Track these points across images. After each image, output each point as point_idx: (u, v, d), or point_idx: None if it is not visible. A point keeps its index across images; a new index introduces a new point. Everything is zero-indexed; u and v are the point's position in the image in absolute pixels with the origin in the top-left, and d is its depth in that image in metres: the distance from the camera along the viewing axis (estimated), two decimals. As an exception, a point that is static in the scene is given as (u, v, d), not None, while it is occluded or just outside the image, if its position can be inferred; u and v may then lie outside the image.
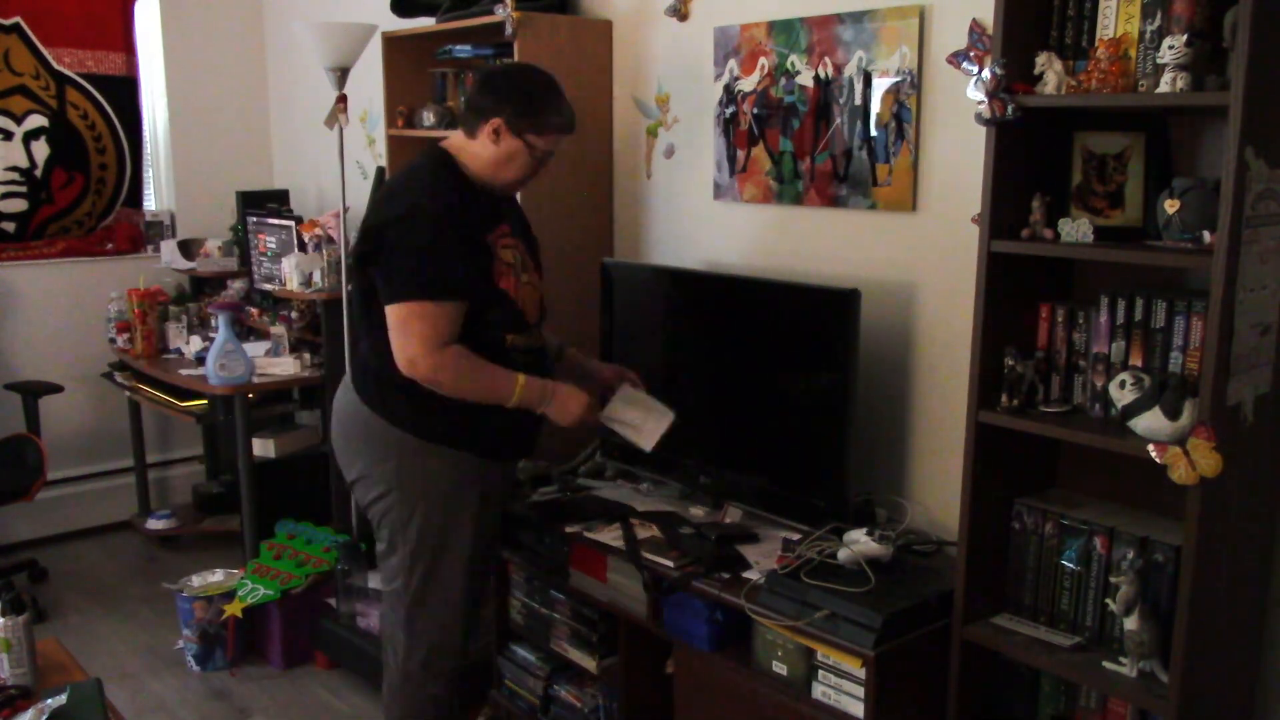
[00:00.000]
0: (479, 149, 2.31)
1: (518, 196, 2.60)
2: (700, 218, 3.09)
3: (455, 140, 2.36)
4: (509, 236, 2.36)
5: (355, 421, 2.40)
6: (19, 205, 4.36)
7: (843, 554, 2.27)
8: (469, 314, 2.24)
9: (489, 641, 3.02)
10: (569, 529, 2.67)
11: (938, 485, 2.56)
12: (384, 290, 2.23)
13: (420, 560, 2.40)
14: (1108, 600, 1.99)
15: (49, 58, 4.37)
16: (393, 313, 2.20)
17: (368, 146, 4.29)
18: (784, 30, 2.76)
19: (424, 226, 2.20)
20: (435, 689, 2.51)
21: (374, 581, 3.22)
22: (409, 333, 2.19)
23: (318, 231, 3.92)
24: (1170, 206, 1.85)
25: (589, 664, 2.73)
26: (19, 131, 4.33)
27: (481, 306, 2.26)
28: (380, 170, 3.90)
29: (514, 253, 2.35)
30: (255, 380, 3.76)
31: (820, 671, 2.18)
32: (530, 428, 2.43)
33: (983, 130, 2.02)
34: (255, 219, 4.27)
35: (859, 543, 2.26)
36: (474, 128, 2.30)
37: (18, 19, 4.27)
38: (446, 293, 2.19)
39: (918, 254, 2.56)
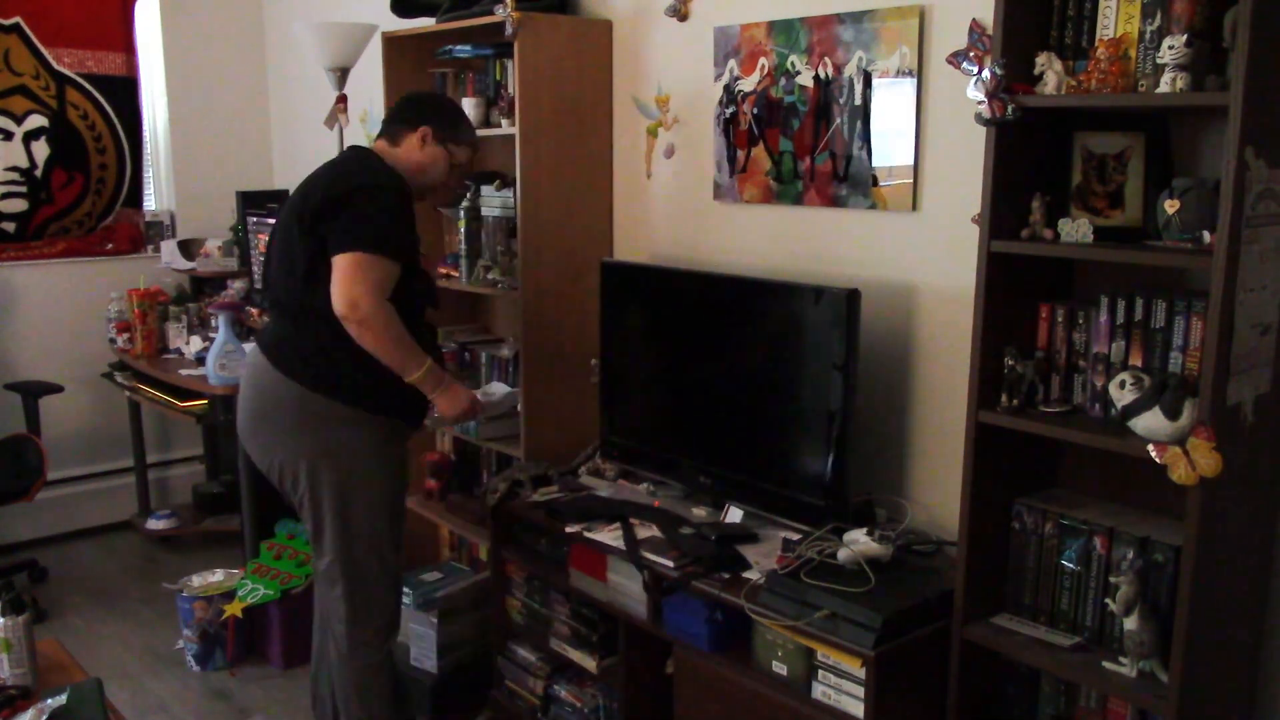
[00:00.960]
0: (403, 154, 2.60)
1: None
2: (700, 218, 3.09)
3: (379, 146, 2.63)
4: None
5: (273, 394, 2.50)
6: (19, 205, 4.36)
7: (843, 554, 2.27)
8: (399, 280, 2.43)
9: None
10: (569, 529, 2.67)
11: (938, 485, 2.56)
12: (337, 242, 2.36)
13: (350, 527, 2.54)
14: (1108, 600, 1.99)
15: (49, 58, 4.37)
16: (346, 260, 2.34)
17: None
18: (784, 30, 2.76)
19: (389, 195, 2.44)
20: (385, 652, 2.66)
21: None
22: (358, 278, 2.34)
23: (318, 231, 3.91)
24: (1170, 206, 1.85)
25: (589, 664, 2.73)
26: (19, 131, 4.33)
27: (409, 276, 2.47)
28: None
29: (422, 242, 2.67)
30: (255, 380, 3.76)
31: (820, 671, 2.18)
32: (422, 397, 2.58)
33: (983, 130, 2.02)
34: (255, 219, 4.27)
35: (859, 543, 2.26)
36: (399, 135, 2.61)
37: (18, 19, 4.27)
38: (398, 254, 2.41)
39: (918, 254, 2.56)
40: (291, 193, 2.56)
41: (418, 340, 2.48)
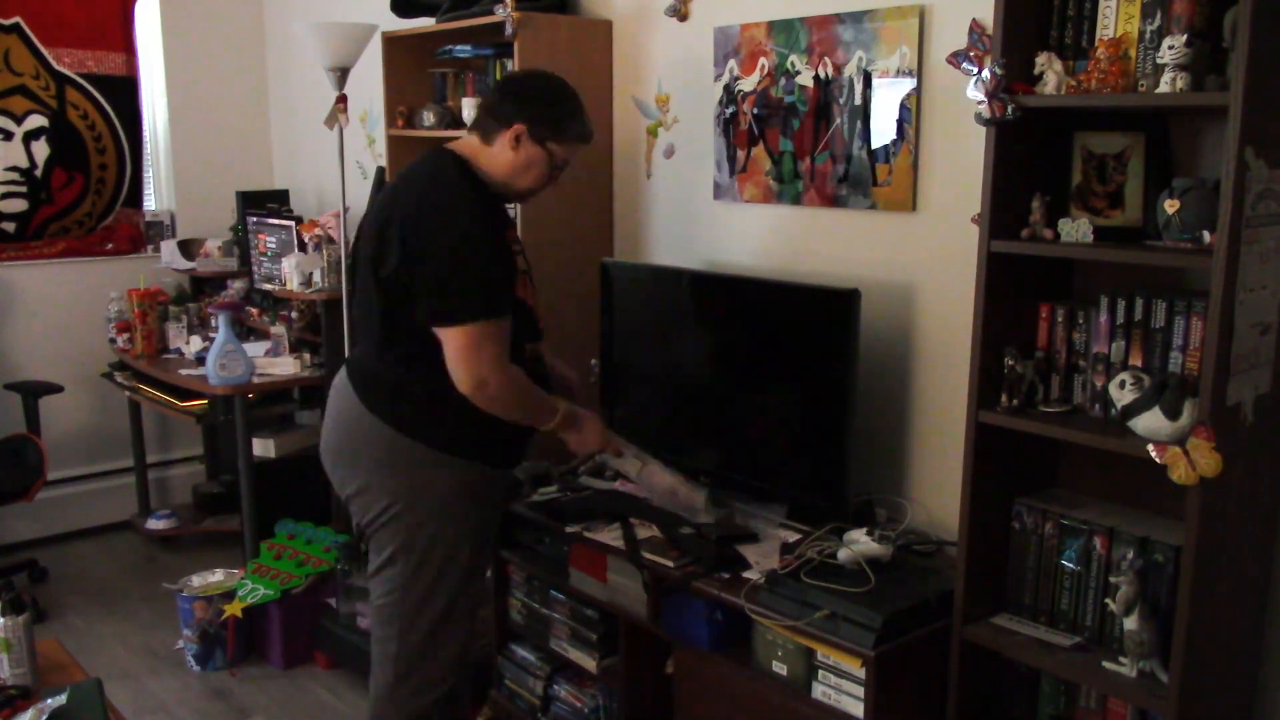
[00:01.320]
0: (496, 154, 2.26)
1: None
2: (700, 218, 3.09)
3: (468, 144, 2.30)
4: (517, 242, 2.35)
5: (360, 431, 2.30)
6: (19, 205, 4.36)
7: (843, 554, 2.27)
8: None
9: (488, 643, 3.01)
10: (569, 529, 2.67)
11: (938, 485, 2.56)
12: (436, 311, 2.14)
13: (424, 573, 2.32)
14: (1108, 600, 1.99)
15: (49, 58, 4.37)
16: (458, 335, 2.12)
17: (368, 146, 4.29)
18: (784, 30, 2.76)
19: (475, 245, 2.15)
20: (423, 702, 2.40)
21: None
22: (481, 355, 2.13)
23: (318, 231, 3.92)
24: (1170, 206, 1.85)
25: (589, 664, 2.73)
26: (19, 131, 4.33)
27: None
28: (380, 170, 3.90)
29: (522, 258, 2.33)
30: (255, 380, 3.76)
31: (820, 671, 2.18)
32: (526, 433, 2.39)
33: (983, 130, 2.02)
34: (255, 219, 4.27)
35: (859, 543, 2.26)
36: (492, 133, 2.26)
37: (18, 19, 4.27)
38: (505, 309, 2.17)
39: (918, 254, 2.56)
40: (370, 210, 2.28)
41: (531, 378, 2.28)
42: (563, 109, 2.31)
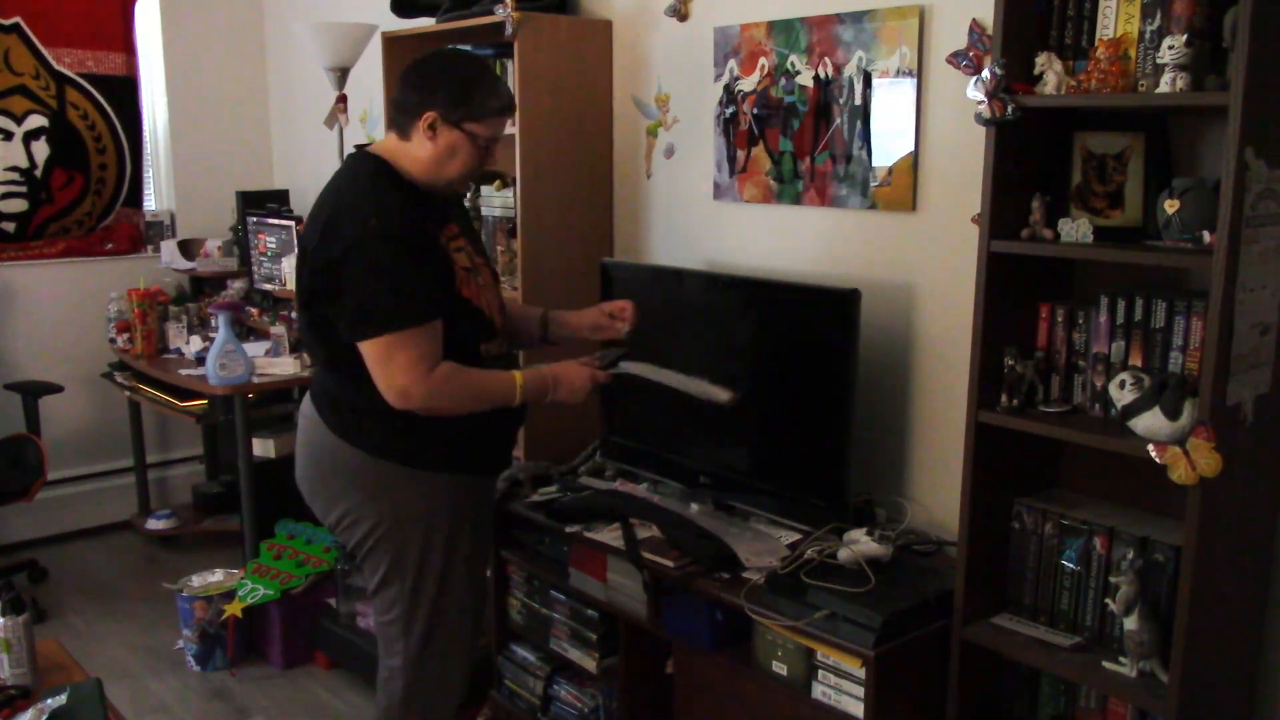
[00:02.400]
0: (415, 149, 2.13)
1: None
2: (700, 218, 3.09)
3: (386, 144, 2.19)
4: (458, 238, 2.21)
5: (331, 458, 2.23)
6: (19, 205, 4.36)
7: (843, 554, 2.27)
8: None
9: (487, 642, 3.01)
10: (569, 529, 2.67)
11: (938, 485, 2.56)
12: (350, 327, 2.06)
13: (424, 591, 2.26)
14: (1108, 600, 1.99)
15: (49, 58, 4.37)
16: (371, 349, 2.04)
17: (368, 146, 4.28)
18: (784, 30, 2.76)
19: (381, 249, 2.02)
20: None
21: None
22: (393, 365, 2.03)
23: (318, 231, 3.91)
24: (1170, 206, 1.85)
25: (589, 664, 2.73)
26: (19, 131, 4.33)
27: (449, 320, 2.11)
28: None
29: (466, 255, 2.21)
30: (255, 380, 3.76)
31: (820, 671, 2.18)
32: (507, 435, 2.34)
33: (983, 130, 2.02)
34: (255, 219, 4.27)
35: (859, 543, 2.27)
36: (406, 127, 2.13)
37: (18, 19, 4.27)
38: (422, 314, 2.05)
39: (918, 254, 2.56)
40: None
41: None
42: (472, 85, 2.12)
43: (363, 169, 2.16)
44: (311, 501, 2.34)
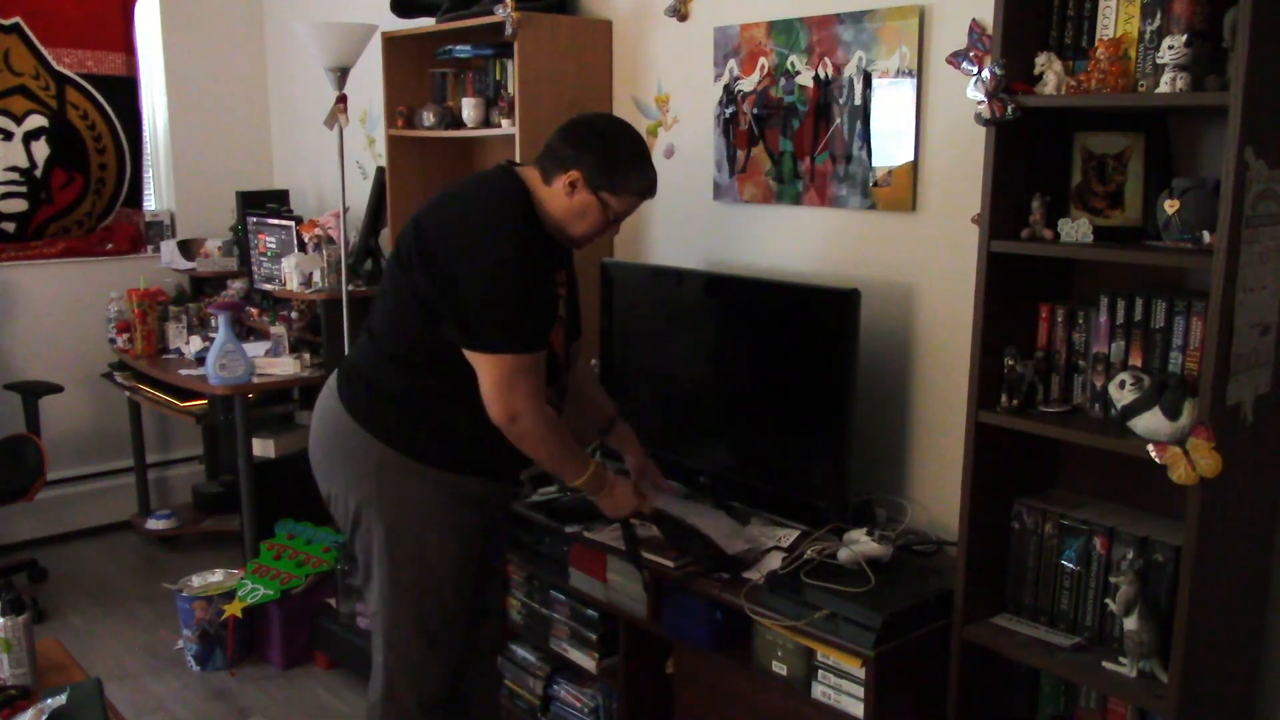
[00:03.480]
0: (552, 196, 2.17)
1: None
2: (700, 218, 3.09)
3: (532, 177, 2.20)
4: (563, 285, 2.28)
5: (336, 432, 2.25)
6: (19, 205, 4.36)
7: (843, 554, 2.27)
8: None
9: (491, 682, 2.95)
10: (569, 529, 2.67)
11: (938, 485, 2.56)
12: (481, 338, 2.08)
13: (399, 585, 2.24)
14: (1108, 600, 1.99)
15: (49, 58, 4.37)
16: (494, 364, 2.07)
17: (368, 146, 4.29)
18: (784, 30, 2.76)
19: (514, 275, 2.07)
20: None
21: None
22: (515, 387, 2.08)
23: (317, 232, 3.92)
24: (1170, 206, 1.85)
25: (589, 664, 2.73)
26: (19, 131, 4.33)
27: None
28: (380, 170, 3.90)
29: (563, 303, 2.27)
30: (255, 380, 3.76)
31: (820, 671, 2.18)
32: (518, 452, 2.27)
33: (983, 130, 2.02)
34: (255, 219, 4.27)
35: (859, 543, 2.27)
36: (551, 174, 2.17)
37: (18, 19, 4.27)
38: (542, 344, 2.13)
39: (918, 254, 2.56)
40: (419, 214, 2.21)
41: None
42: (622, 159, 2.18)
43: (514, 189, 2.18)
44: (316, 473, 2.34)
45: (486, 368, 2.09)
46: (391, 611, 2.27)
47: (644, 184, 2.23)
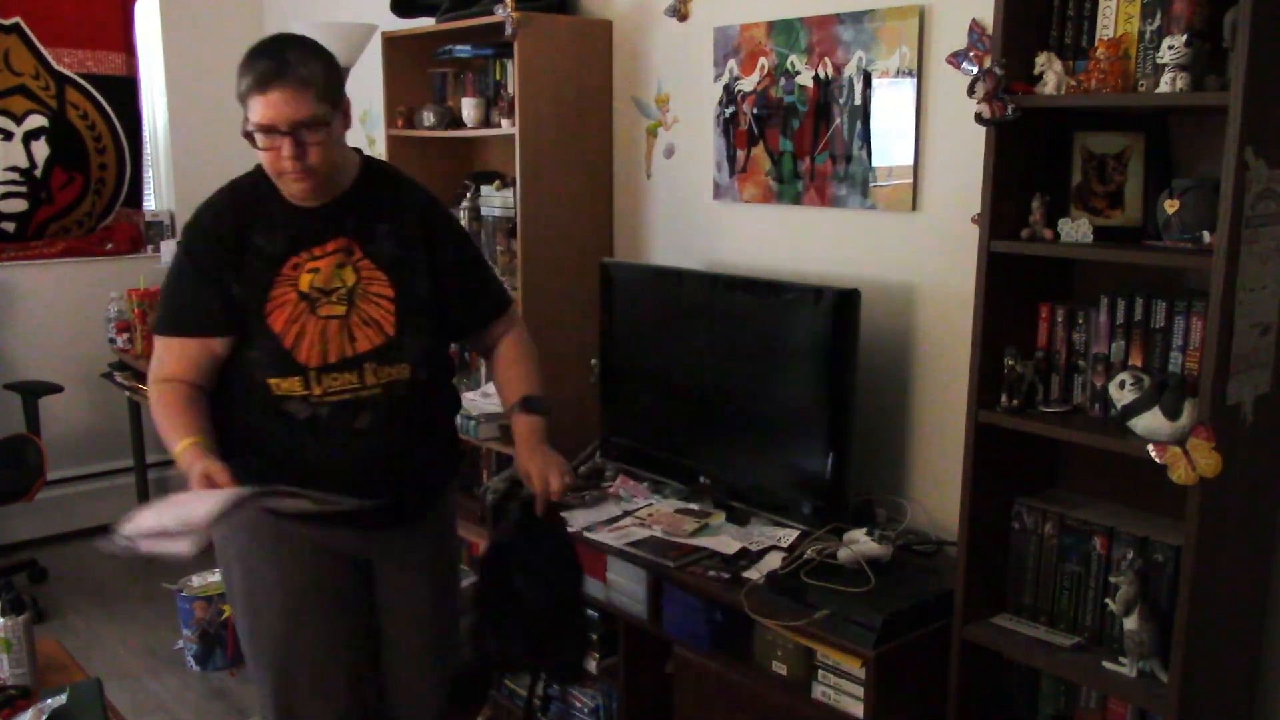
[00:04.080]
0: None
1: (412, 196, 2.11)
2: (700, 218, 3.09)
3: None
4: (331, 255, 1.94)
5: None
6: (19, 205, 4.36)
7: (843, 554, 2.27)
8: (234, 350, 1.94)
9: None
10: (569, 529, 2.66)
11: (938, 485, 2.56)
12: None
13: (242, 621, 2.11)
14: (1108, 600, 1.99)
15: (49, 58, 4.37)
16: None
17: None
18: (784, 30, 2.76)
19: (177, 255, 1.98)
20: None
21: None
22: (151, 364, 1.97)
23: (318, 231, 3.91)
24: (1170, 206, 1.85)
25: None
26: (19, 131, 4.33)
27: (241, 343, 1.93)
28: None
29: (317, 278, 1.93)
30: (255, 380, 3.76)
31: (820, 671, 2.18)
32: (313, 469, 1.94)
33: (983, 130, 2.02)
34: (255, 219, 4.26)
35: (859, 543, 2.27)
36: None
37: (18, 19, 4.27)
38: (171, 328, 1.96)
39: (918, 254, 2.56)
40: None
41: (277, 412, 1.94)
42: (240, 70, 1.84)
43: (252, 173, 1.99)
44: None
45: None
46: (244, 647, 2.18)
47: (249, 78, 1.82)
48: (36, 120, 4.36)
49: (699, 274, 2.90)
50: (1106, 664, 1.98)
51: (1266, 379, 1.90)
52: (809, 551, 2.33)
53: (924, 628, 2.16)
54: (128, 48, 4.57)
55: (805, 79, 2.72)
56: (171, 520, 1.74)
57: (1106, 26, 1.95)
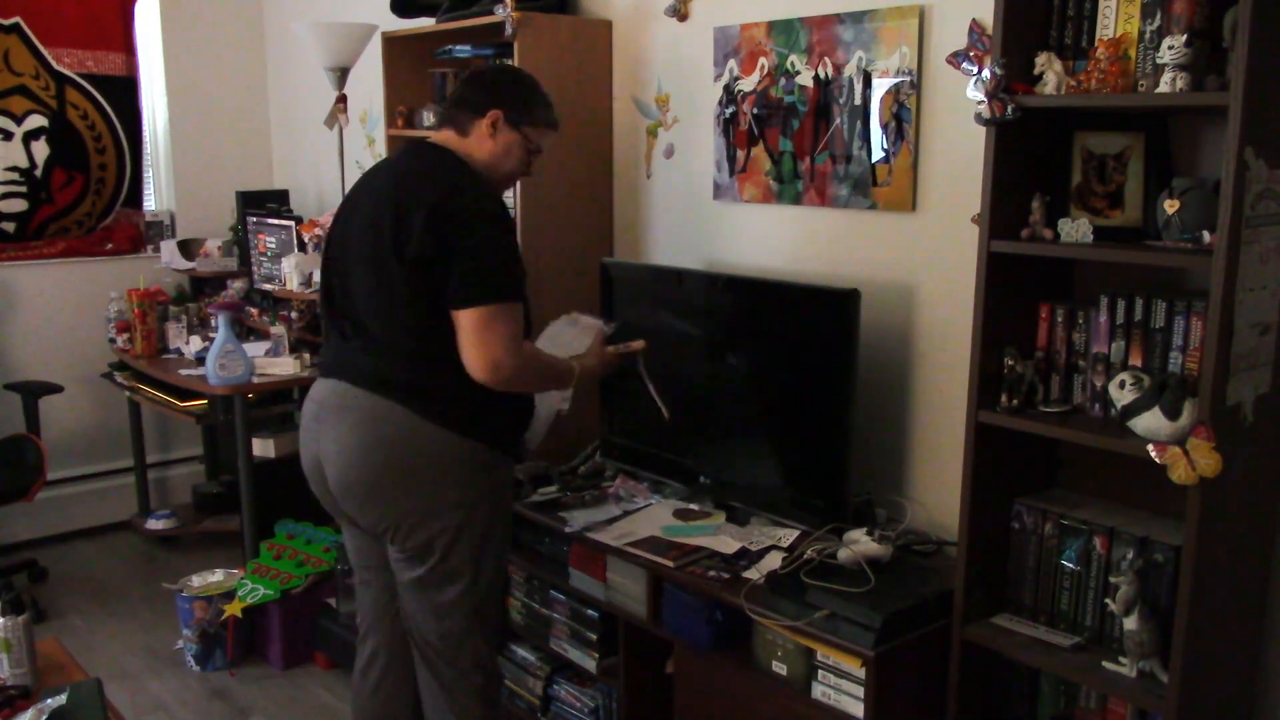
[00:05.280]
0: (475, 144, 2.25)
1: None
2: (700, 218, 3.09)
3: (448, 138, 2.27)
4: None
5: (416, 447, 2.16)
6: (19, 205, 4.36)
7: (843, 554, 2.27)
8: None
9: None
10: (569, 529, 2.66)
11: (938, 485, 2.56)
12: (463, 296, 2.08)
13: (480, 581, 2.27)
14: (1108, 600, 1.99)
15: (49, 58, 4.37)
16: (476, 317, 2.07)
17: (367, 146, 4.28)
18: (784, 30, 2.76)
19: (495, 225, 2.14)
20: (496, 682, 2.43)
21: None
22: (494, 335, 2.08)
23: (317, 231, 3.92)
24: (1170, 206, 1.85)
25: (589, 664, 2.73)
26: (19, 131, 4.33)
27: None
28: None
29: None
30: (255, 380, 3.76)
31: (820, 671, 2.18)
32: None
33: (983, 130, 2.02)
34: (255, 219, 4.27)
35: (859, 543, 2.27)
36: (467, 125, 2.25)
37: (18, 19, 4.27)
38: (520, 291, 2.16)
39: (918, 254, 2.56)
40: (359, 200, 2.27)
41: None
42: (532, 95, 2.32)
43: (450, 157, 2.24)
44: (366, 503, 2.21)
45: (468, 326, 2.09)
46: (474, 624, 2.30)
47: (552, 115, 2.36)
48: (36, 120, 4.36)
49: (699, 274, 2.90)
50: (1106, 664, 1.98)
51: (1266, 379, 1.90)
52: (809, 551, 2.33)
53: (924, 628, 2.16)
54: (128, 48, 4.57)
55: (805, 79, 2.72)
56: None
57: (1106, 26, 1.95)
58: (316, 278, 3.87)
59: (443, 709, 2.35)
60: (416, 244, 2.08)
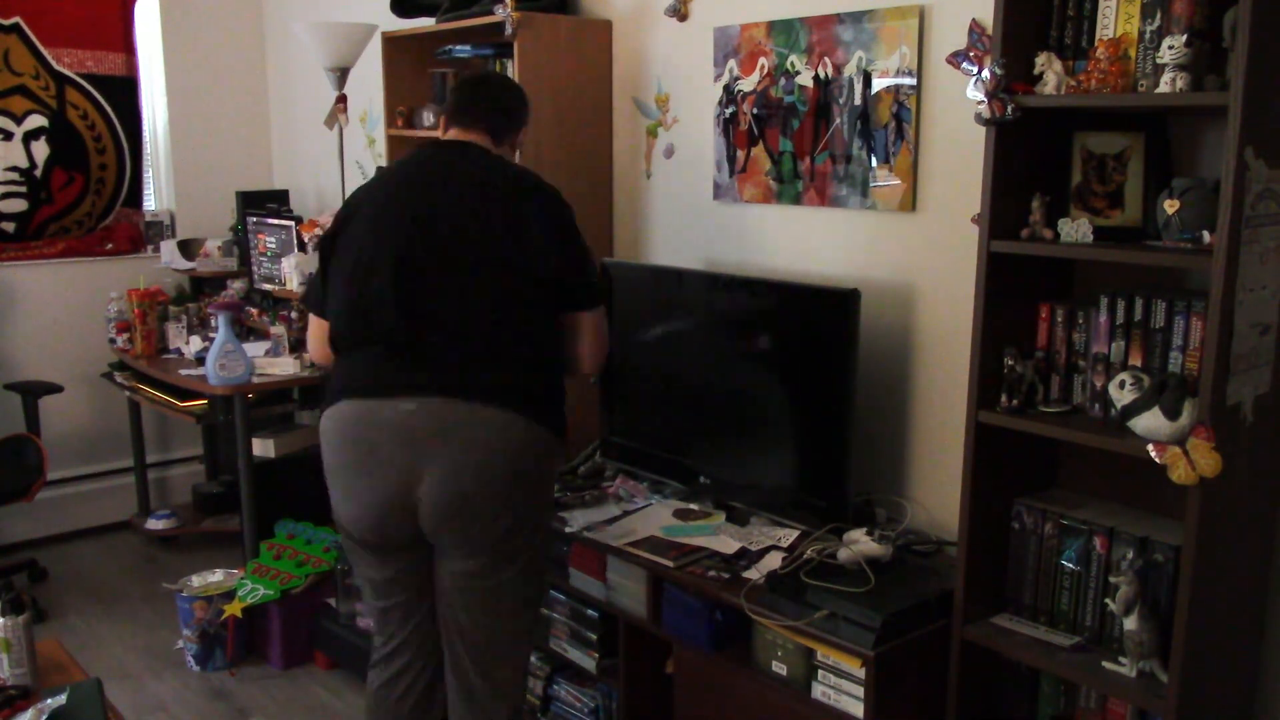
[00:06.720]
0: (506, 153, 2.33)
1: None
2: (700, 218, 3.09)
3: (487, 142, 2.29)
4: None
5: (534, 453, 2.12)
6: (19, 205, 4.36)
7: (843, 554, 2.27)
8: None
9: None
10: (569, 529, 2.66)
11: (938, 485, 2.56)
12: (588, 298, 2.23)
13: (533, 584, 2.27)
14: (1108, 600, 1.99)
15: (49, 58, 4.37)
16: (596, 317, 2.25)
17: (367, 146, 4.28)
18: (784, 30, 2.76)
19: (576, 222, 2.27)
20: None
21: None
22: (606, 331, 2.30)
23: (317, 231, 3.92)
24: (1170, 206, 1.85)
25: (589, 664, 2.73)
26: (19, 131, 4.32)
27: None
28: (380, 171, 3.89)
29: None
30: (255, 380, 3.76)
31: (820, 671, 2.18)
32: None
33: (983, 130, 2.02)
34: (255, 219, 4.27)
35: (859, 543, 2.27)
36: (505, 135, 2.33)
37: (18, 19, 4.27)
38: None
39: (917, 254, 2.56)
40: (414, 207, 2.16)
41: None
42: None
43: (508, 165, 2.29)
44: (477, 519, 2.09)
45: (590, 327, 2.24)
46: (530, 621, 2.32)
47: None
48: (36, 120, 4.36)
49: (699, 274, 2.90)
50: (1106, 664, 1.98)
51: (1266, 379, 1.90)
52: (809, 551, 2.33)
53: (924, 628, 2.16)
54: (128, 48, 4.56)
55: (805, 79, 2.72)
56: None
57: (1106, 26, 1.95)
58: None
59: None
60: (543, 256, 2.14)
